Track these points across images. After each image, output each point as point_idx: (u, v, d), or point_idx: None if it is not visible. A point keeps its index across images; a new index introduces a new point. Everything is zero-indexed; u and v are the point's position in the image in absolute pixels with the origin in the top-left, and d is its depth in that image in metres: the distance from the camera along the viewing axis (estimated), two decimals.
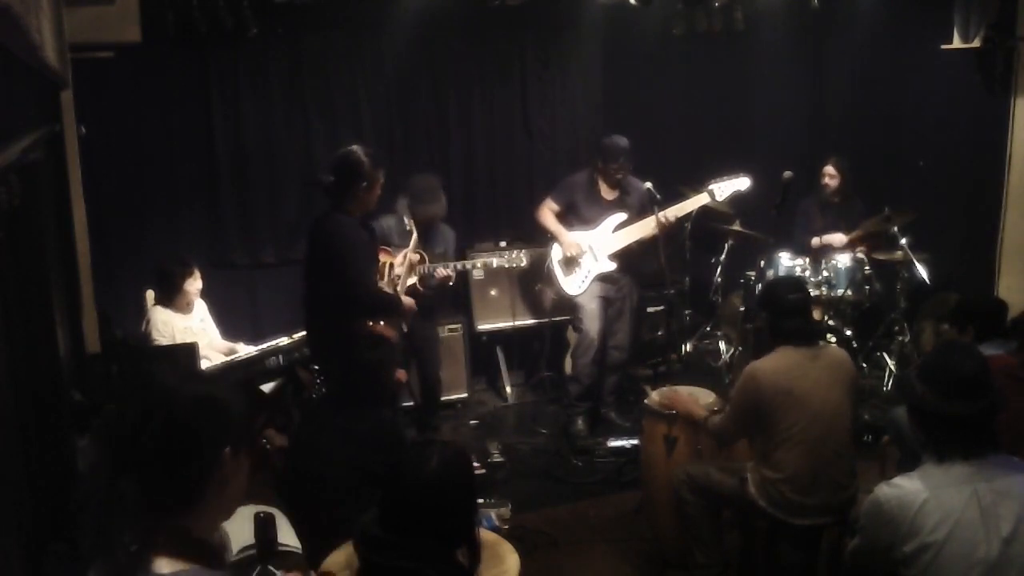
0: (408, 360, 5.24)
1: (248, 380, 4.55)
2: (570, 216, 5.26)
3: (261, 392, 4.65)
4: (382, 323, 4.21)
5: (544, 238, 5.44)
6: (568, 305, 5.42)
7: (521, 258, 5.12)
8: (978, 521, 2.20)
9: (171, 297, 4.79)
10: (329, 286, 4.06)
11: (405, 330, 4.68)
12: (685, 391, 4.07)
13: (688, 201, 5.11)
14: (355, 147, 4.10)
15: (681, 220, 5.10)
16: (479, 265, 5.24)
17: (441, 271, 4.93)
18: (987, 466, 2.27)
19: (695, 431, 3.79)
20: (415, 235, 4.82)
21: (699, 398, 3.95)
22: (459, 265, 5.10)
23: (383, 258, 4.61)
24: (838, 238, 5.82)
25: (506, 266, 5.15)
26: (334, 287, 4.02)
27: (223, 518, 1.53)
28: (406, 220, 4.94)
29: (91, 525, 2.53)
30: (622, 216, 5.19)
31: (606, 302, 5.28)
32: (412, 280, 4.81)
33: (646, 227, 5.03)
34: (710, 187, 5.10)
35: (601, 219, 5.20)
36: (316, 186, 4.18)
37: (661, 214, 4.87)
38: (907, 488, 2.28)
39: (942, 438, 2.32)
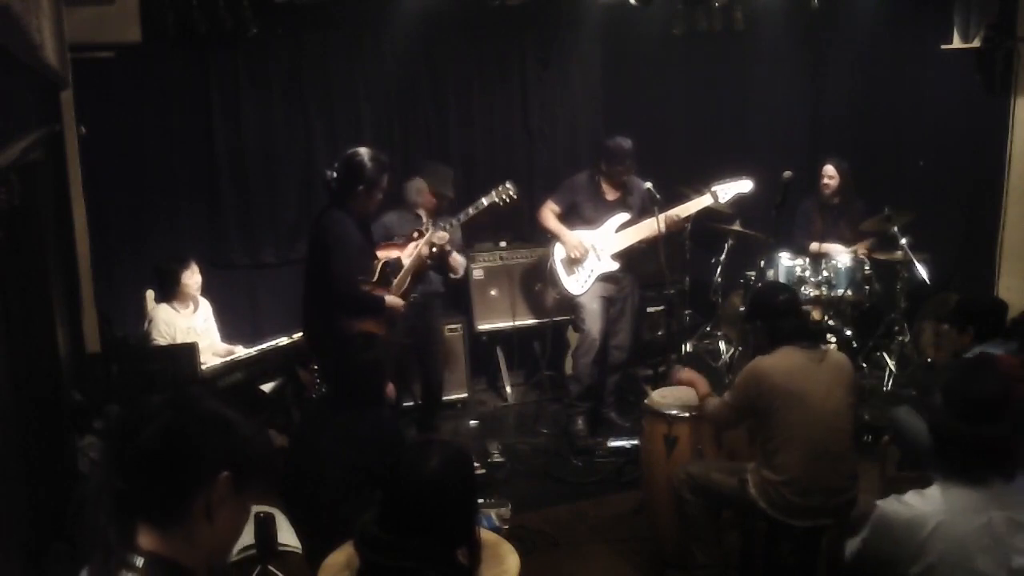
0: (412, 360, 5.24)
1: (248, 383, 4.56)
2: (572, 217, 5.25)
3: (261, 392, 4.65)
4: (369, 322, 4.17)
5: (544, 238, 5.44)
6: (569, 305, 5.41)
7: (508, 188, 4.81)
8: (990, 551, 2.13)
9: (171, 292, 4.79)
10: (320, 282, 4.06)
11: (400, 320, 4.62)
12: (684, 390, 4.07)
13: (691, 203, 5.10)
14: (362, 149, 4.11)
15: (684, 220, 5.09)
16: (472, 212, 4.87)
17: (436, 237, 4.76)
18: (1005, 493, 2.18)
19: (695, 431, 3.80)
20: (430, 229, 4.78)
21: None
22: (455, 221, 4.87)
23: (387, 252, 4.56)
24: (838, 249, 5.81)
25: (495, 200, 4.82)
26: (323, 283, 4.02)
27: (214, 555, 1.40)
28: (422, 215, 4.93)
29: (91, 525, 2.52)
30: (625, 216, 5.18)
31: (608, 302, 5.28)
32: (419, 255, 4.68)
33: (649, 227, 5.03)
34: (713, 189, 5.08)
35: (604, 219, 5.20)
36: (312, 182, 4.19)
37: (663, 215, 4.87)
38: (919, 509, 2.20)
39: (950, 459, 2.24)
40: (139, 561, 1.30)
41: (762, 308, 3.52)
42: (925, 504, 2.20)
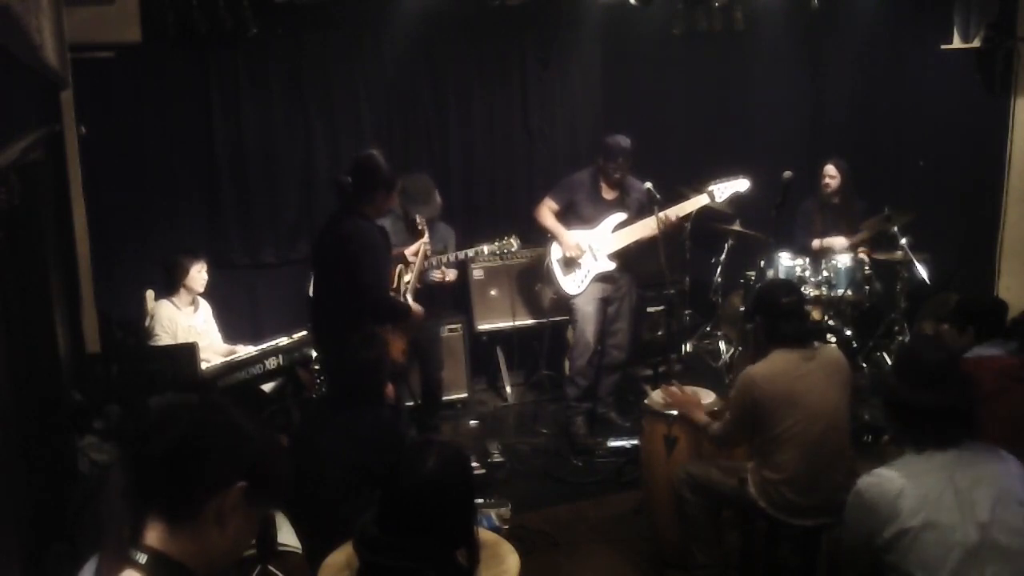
0: (410, 360, 5.23)
1: (248, 384, 4.56)
2: (569, 215, 5.25)
3: (261, 392, 4.65)
4: (392, 330, 4.20)
5: (544, 237, 5.44)
6: (566, 306, 5.41)
7: (511, 243, 5.05)
8: (954, 506, 2.26)
9: (175, 286, 4.79)
10: (339, 288, 4.06)
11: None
12: (687, 392, 4.06)
13: (688, 202, 5.10)
14: (374, 151, 4.14)
15: (681, 220, 5.09)
16: (471, 255, 5.13)
17: (437, 275, 4.91)
18: (965, 453, 2.34)
19: (695, 431, 3.79)
20: (427, 233, 4.80)
21: (699, 398, 3.94)
22: (452, 256, 5.05)
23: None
24: (839, 241, 5.82)
25: (497, 252, 5.05)
26: (345, 289, 4.02)
27: (216, 561, 1.40)
28: (418, 219, 4.94)
29: (105, 516, 2.53)
30: (622, 216, 5.18)
31: (604, 303, 5.27)
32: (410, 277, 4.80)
33: (646, 227, 5.03)
34: (710, 188, 5.09)
35: (601, 219, 5.19)
36: (336, 186, 4.21)
37: (662, 214, 4.87)
38: (885, 476, 2.36)
39: (915, 428, 2.40)
40: (141, 557, 1.31)
41: (765, 306, 3.49)
42: (891, 471, 2.37)
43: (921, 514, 2.25)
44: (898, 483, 2.31)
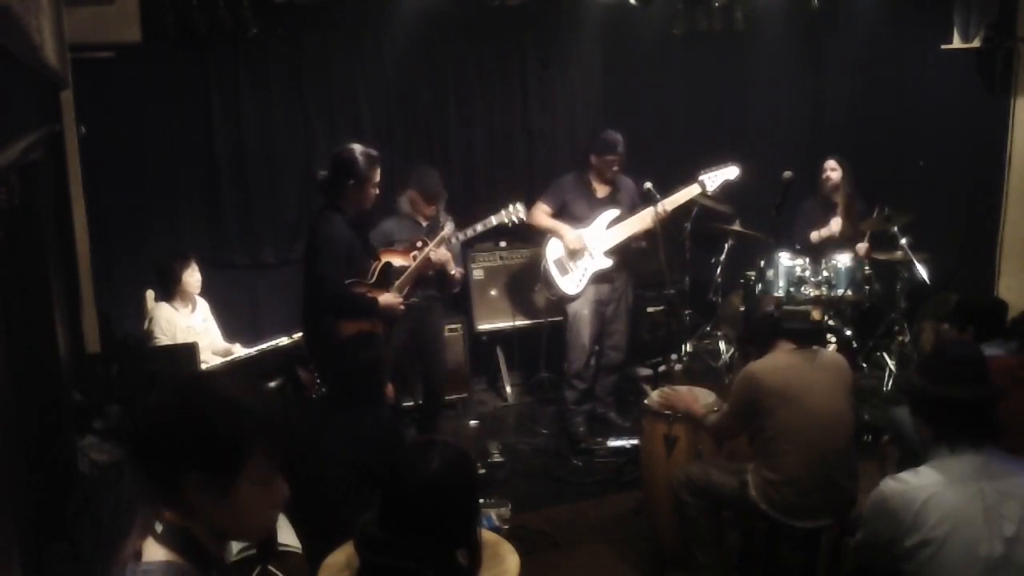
0: (412, 360, 5.23)
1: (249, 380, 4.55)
2: (563, 217, 5.23)
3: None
4: (363, 323, 4.15)
5: (544, 238, 5.43)
6: (563, 308, 5.38)
7: (518, 209, 4.88)
8: (981, 519, 2.21)
9: (171, 290, 4.80)
10: (309, 284, 4.07)
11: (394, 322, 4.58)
12: (685, 391, 4.07)
13: (680, 193, 5.08)
14: (352, 145, 4.10)
15: (677, 215, 5.08)
16: (478, 230, 4.93)
17: (440, 253, 4.73)
18: (993, 464, 2.28)
19: (695, 431, 3.80)
20: (444, 230, 4.71)
21: (699, 398, 3.94)
22: (461, 235, 4.86)
23: (389, 258, 4.55)
24: (835, 222, 5.80)
25: (504, 221, 4.89)
26: (311, 285, 4.03)
27: (223, 534, 1.46)
28: (442, 218, 4.88)
29: (91, 524, 2.53)
30: (615, 212, 5.18)
31: (600, 305, 5.26)
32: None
33: (640, 221, 5.03)
34: (700, 178, 5.09)
35: (594, 216, 5.19)
36: (313, 182, 4.20)
37: (659, 205, 4.87)
38: (912, 483, 2.30)
39: (949, 426, 2.33)
40: (159, 527, 1.40)
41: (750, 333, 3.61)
42: (918, 479, 2.31)
43: (946, 526, 2.20)
44: (924, 492, 2.25)
